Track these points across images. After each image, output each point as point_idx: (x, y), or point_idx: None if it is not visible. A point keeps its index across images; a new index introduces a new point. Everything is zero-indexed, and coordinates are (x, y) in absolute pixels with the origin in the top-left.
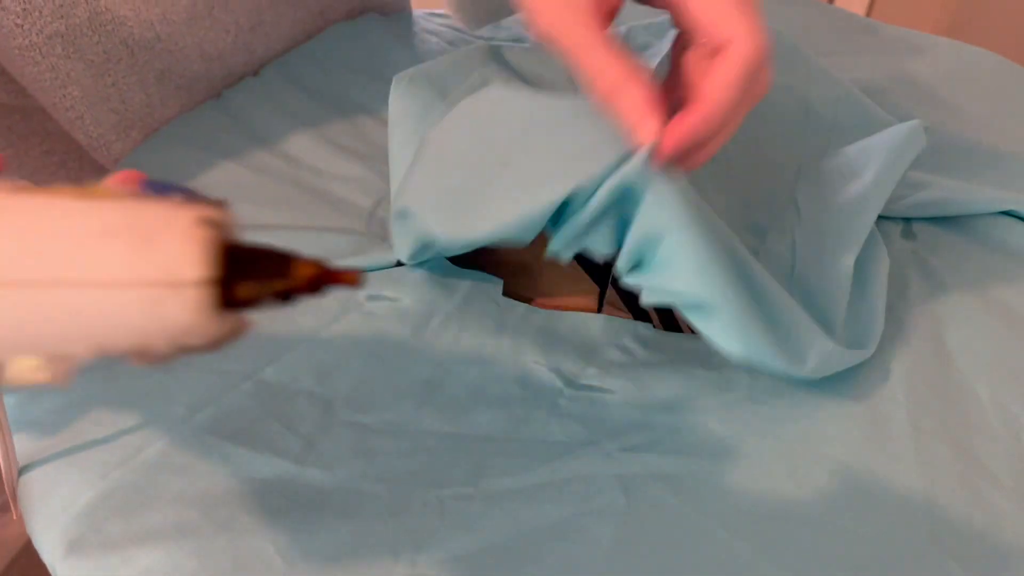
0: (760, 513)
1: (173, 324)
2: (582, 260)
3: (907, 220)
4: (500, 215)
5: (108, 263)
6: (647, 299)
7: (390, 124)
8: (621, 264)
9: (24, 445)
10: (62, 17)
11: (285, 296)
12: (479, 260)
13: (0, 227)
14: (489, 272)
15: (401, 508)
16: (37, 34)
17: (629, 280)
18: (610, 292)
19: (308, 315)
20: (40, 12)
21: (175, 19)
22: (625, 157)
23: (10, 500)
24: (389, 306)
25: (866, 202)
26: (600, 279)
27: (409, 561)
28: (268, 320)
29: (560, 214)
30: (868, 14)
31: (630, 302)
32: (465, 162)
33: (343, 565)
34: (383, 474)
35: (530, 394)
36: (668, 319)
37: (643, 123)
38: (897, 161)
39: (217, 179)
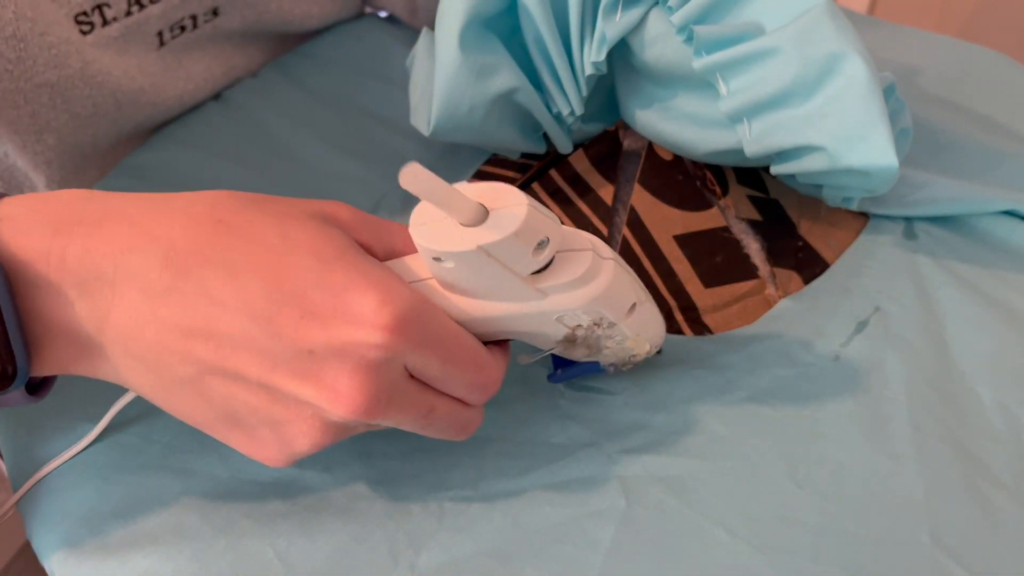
0: (760, 514)
1: (661, 336)
2: None
3: (908, 219)
4: None
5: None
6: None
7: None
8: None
9: (25, 449)
10: (56, 67)
11: None
12: None
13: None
14: None
15: (400, 510)
16: (26, 81)
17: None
18: None
19: None
20: (35, 60)
21: (152, 70)
22: None
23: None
24: None
25: None
26: None
27: (408, 564)
28: None
29: None
30: (871, 12)
31: None
32: None
33: (342, 568)
34: (382, 476)
35: (530, 395)
36: (670, 322)
37: None
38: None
39: (216, 179)
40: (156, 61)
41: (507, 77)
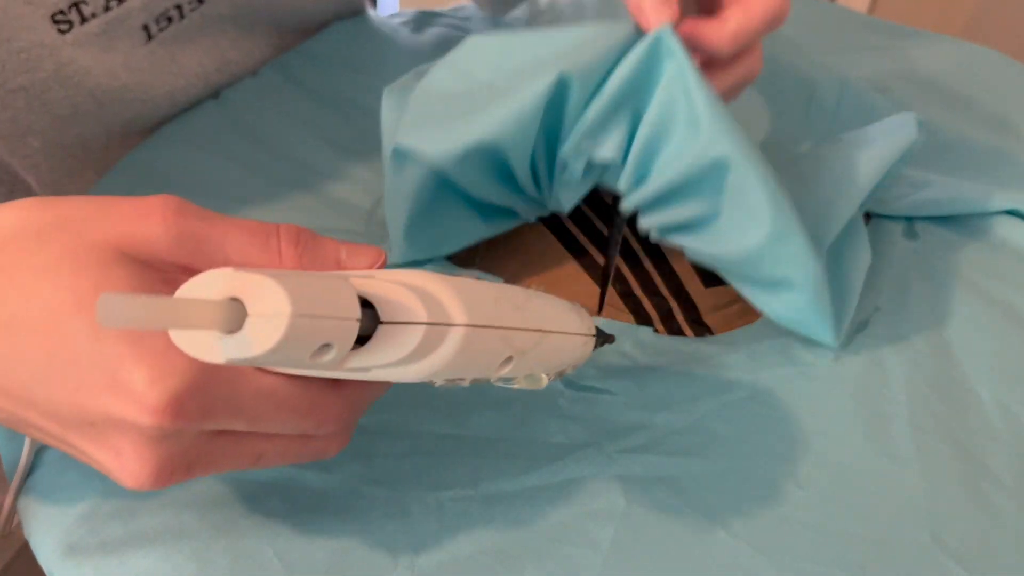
0: (760, 514)
1: (584, 357)
2: (582, 260)
3: (909, 219)
4: (489, 117)
5: (575, 324)
6: (654, 228)
7: (383, 135)
8: (625, 180)
9: (22, 449)
10: (27, 71)
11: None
12: (477, 260)
13: (537, 303)
14: (487, 272)
15: (400, 510)
16: (0, 87)
17: (632, 202)
18: (611, 293)
19: None
20: (3, 66)
21: (139, 67)
22: (629, 42)
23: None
24: None
25: (850, 189)
26: (601, 279)
27: (408, 563)
28: None
29: (561, 113)
30: (871, 12)
31: (631, 303)
32: (451, 93)
33: (342, 568)
34: (382, 476)
35: (530, 395)
36: (670, 323)
37: (657, 9)
38: (887, 151)
39: (216, 179)
40: (145, 57)
41: (472, 233)
